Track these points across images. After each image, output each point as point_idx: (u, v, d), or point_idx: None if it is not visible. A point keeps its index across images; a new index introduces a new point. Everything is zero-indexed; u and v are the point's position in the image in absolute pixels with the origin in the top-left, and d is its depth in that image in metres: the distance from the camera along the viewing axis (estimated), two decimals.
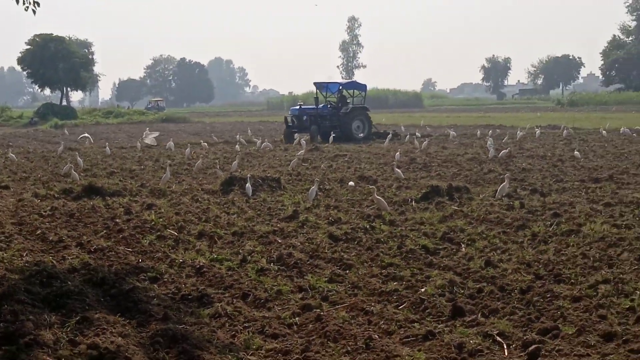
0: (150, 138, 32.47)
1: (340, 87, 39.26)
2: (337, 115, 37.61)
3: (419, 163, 23.43)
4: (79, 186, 18.02)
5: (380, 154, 27.36)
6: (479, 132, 37.32)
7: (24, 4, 12.78)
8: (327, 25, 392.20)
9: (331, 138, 33.51)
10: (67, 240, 12.08)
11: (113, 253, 11.13)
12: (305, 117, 37.69)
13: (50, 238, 12.29)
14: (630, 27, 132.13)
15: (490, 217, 13.58)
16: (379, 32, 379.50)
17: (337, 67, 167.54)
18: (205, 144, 33.07)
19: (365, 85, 40.90)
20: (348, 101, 39.20)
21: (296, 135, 35.55)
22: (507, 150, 25.02)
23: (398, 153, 24.31)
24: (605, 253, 10.43)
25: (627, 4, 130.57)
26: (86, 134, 38.29)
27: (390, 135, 34.32)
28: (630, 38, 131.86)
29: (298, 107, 39.59)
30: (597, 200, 15.14)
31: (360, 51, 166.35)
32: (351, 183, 18.01)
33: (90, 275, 9.55)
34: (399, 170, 19.92)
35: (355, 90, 39.95)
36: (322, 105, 38.54)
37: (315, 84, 40.29)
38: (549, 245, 11.18)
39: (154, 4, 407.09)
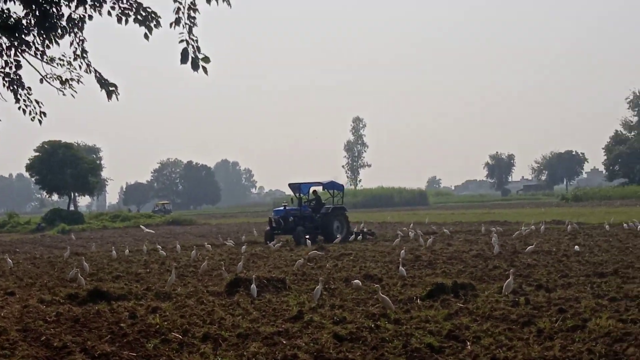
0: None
1: (312, 188, 38.94)
2: (315, 216, 37.26)
3: (424, 260, 23.41)
4: (84, 291, 18.02)
5: (385, 252, 27.36)
6: (483, 228, 37.39)
7: (30, 114, 13.11)
8: (333, 126, 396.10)
9: (308, 241, 32.99)
10: (71, 346, 12.01)
11: (117, 358, 11.08)
12: (291, 218, 36.72)
13: (55, 344, 12.23)
14: (632, 122, 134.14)
15: (495, 313, 13.53)
16: (384, 131, 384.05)
17: (343, 166, 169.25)
18: (209, 245, 33.07)
19: (342, 185, 40.87)
20: (324, 202, 38.87)
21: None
22: (532, 246, 25.12)
23: (403, 251, 24.36)
24: (611, 348, 10.38)
25: (629, 99, 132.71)
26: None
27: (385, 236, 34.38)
28: (632, 133, 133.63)
29: (282, 207, 38.48)
30: (602, 295, 15.10)
31: (365, 150, 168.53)
32: (356, 281, 17.98)
33: None
34: (403, 269, 19.94)
35: (335, 190, 39.63)
36: (303, 206, 37.93)
37: (290, 185, 39.72)
38: (555, 341, 11.12)
39: (160, 109, 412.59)
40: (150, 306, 15.72)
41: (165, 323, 13.71)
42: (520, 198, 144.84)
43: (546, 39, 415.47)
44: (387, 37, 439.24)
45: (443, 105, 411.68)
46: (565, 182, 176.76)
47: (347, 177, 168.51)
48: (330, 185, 39.67)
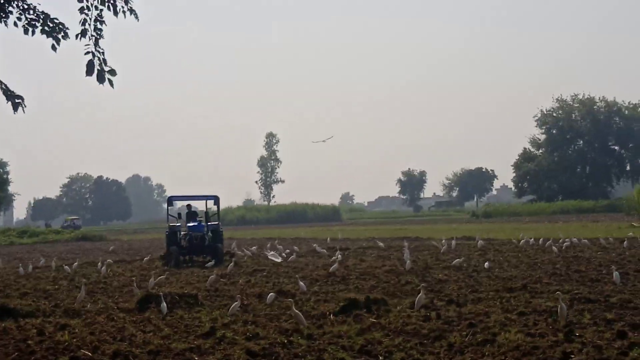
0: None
1: (189, 203, 35.25)
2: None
3: (337, 276, 23.45)
4: None
5: (298, 267, 27.34)
6: (380, 243, 37.91)
7: None
8: (246, 141, 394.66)
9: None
10: None
11: None
12: (209, 234, 32.15)
13: None
14: (539, 140, 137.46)
15: (407, 328, 13.65)
16: (297, 147, 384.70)
17: (256, 182, 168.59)
18: (110, 261, 32.67)
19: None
20: (200, 218, 34.24)
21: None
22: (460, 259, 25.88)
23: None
24: None
25: (537, 117, 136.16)
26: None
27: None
28: (540, 150, 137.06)
29: (198, 223, 32.80)
30: (511, 309, 15.39)
31: (278, 167, 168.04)
32: (271, 294, 17.95)
33: None
34: (302, 283, 20.14)
35: (216, 206, 35.69)
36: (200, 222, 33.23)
37: (169, 198, 37.17)
38: (465, 355, 11.29)
39: (69, 123, 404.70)
40: (59, 323, 15.35)
41: (75, 340, 13.41)
42: (432, 214, 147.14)
43: (459, 56, 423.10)
44: (301, 48, 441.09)
45: (354, 122, 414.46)
46: (475, 199, 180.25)
47: (261, 192, 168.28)
48: (218, 199, 35.50)
